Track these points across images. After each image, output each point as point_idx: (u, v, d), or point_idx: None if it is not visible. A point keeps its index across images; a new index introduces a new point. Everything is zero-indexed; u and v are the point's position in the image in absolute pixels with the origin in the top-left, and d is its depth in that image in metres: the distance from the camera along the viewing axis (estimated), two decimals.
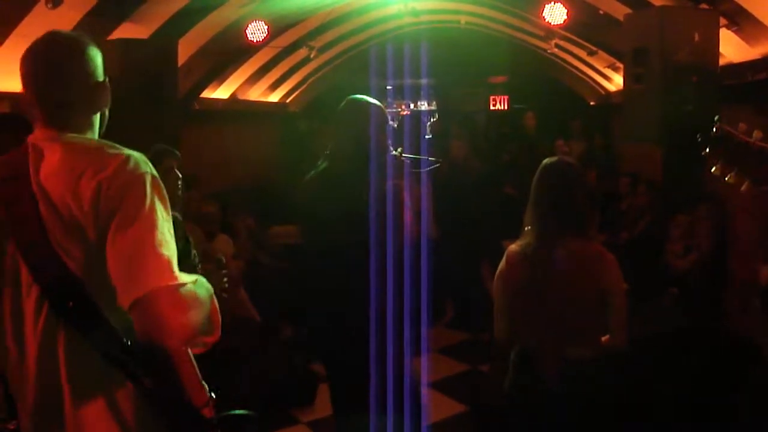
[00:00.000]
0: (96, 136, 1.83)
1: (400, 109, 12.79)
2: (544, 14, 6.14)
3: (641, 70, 4.76)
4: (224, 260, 3.28)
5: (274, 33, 6.61)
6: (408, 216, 3.41)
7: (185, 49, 6.01)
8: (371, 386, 3.31)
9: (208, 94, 7.65)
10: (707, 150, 1.97)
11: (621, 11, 5.58)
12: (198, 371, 1.78)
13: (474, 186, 7.14)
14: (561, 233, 2.92)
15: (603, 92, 9.58)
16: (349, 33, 8.63)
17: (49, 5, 4.28)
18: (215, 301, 1.78)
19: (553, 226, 2.93)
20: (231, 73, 7.76)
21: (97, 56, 1.83)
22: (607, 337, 2.94)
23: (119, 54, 4.77)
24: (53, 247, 1.62)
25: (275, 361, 5.46)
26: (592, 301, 2.87)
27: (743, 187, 1.91)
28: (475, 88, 11.64)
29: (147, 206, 1.61)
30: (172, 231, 1.66)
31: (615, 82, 8.63)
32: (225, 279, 3.15)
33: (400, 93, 12.35)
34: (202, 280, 1.73)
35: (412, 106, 12.75)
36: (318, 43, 8.01)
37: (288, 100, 10.01)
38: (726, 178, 1.93)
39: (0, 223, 1.67)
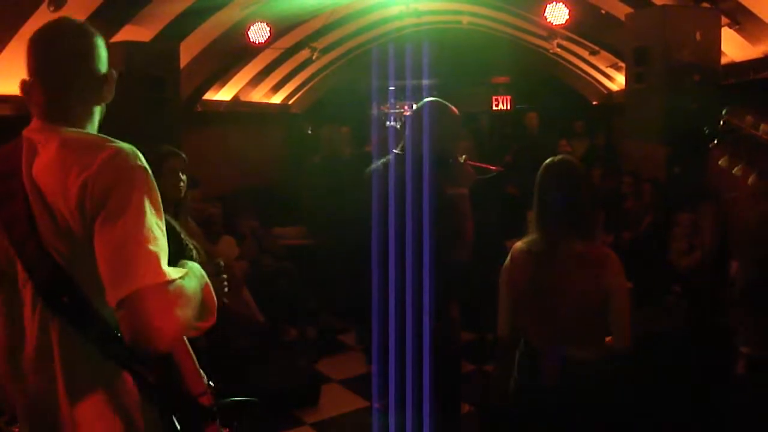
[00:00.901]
0: (95, 128, 1.80)
1: (402, 110, 12.80)
2: (545, 14, 6.15)
3: (643, 69, 4.75)
4: (222, 264, 3.26)
5: (276, 34, 6.61)
6: (470, 226, 3.41)
7: (188, 51, 6.02)
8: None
9: (210, 96, 7.66)
10: (714, 142, 1.98)
11: (623, 11, 5.57)
12: (195, 360, 1.77)
13: (476, 186, 7.13)
14: (565, 233, 2.92)
15: (605, 92, 9.58)
16: (352, 34, 8.63)
17: (52, 8, 4.29)
18: (209, 286, 1.73)
19: (556, 226, 2.93)
20: (233, 75, 7.77)
21: (102, 47, 1.80)
22: (610, 338, 2.94)
23: (122, 57, 4.77)
24: (44, 245, 1.59)
25: (279, 363, 5.46)
26: (595, 302, 2.87)
27: (750, 180, 1.92)
28: (477, 88, 11.62)
29: (134, 201, 1.55)
30: (163, 227, 1.60)
31: (617, 81, 8.62)
32: (225, 284, 3.14)
33: (402, 94, 12.35)
34: (195, 267, 1.70)
35: (414, 106, 12.74)
36: (320, 44, 8.02)
37: (291, 102, 10.02)
38: (734, 171, 1.95)
39: None
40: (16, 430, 1.79)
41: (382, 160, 3.66)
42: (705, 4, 5.03)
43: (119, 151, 1.62)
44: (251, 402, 1.87)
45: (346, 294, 6.24)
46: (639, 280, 5.06)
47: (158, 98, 5.05)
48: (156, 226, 1.57)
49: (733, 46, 5.22)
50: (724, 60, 5.00)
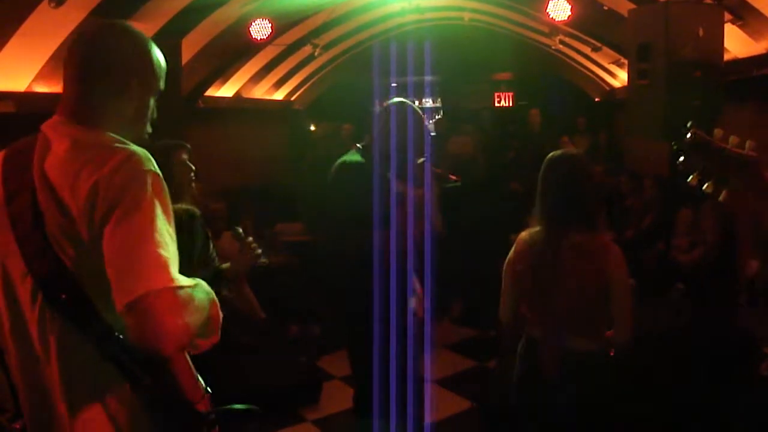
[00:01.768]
0: (119, 131, 1.74)
1: None
2: (548, 10, 6.14)
3: (645, 65, 4.75)
4: (241, 231, 3.24)
5: (278, 31, 6.61)
6: (420, 225, 3.44)
7: (189, 47, 6.02)
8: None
9: (212, 92, 7.66)
10: (682, 159, 1.87)
11: (625, 7, 5.56)
12: (192, 366, 1.76)
13: (480, 182, 7.15)
14: (568, 224, 2.92)
15: (608, 88, 9.57)
16: (353, 31, 8.64)
17: (52, 5, 4.28)
18: (217, 305, 1.72)
19: (559, 218, 2.94)
20: (235, 71, 7.77)
21: (142, 53, 1.79)
22: (611, 331, 2.94)
23: None
24: (48, 239, 1.58)
25: (280, 359, 5.46)
26: (596, 293, 2.87)
27: (722, 197, 1.83)
28: (479, 85, 11.62)
29: (146, 205, 1.54)
30: (173, 233, 1.59)
31: (620, 78, 8.61)
32: (254, 245, 3.13)
33: (404, 90, 12.34)
34: (203, 284, 1.68)
35: (416, 103, 12.77)
36: (322, 40, 8.02)
37: (293, 98, 10.02)
38: (704, 187, 1.84)
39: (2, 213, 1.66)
40: (18, 426, 1.78)
41: (345, 157, 3.70)
42: (708, 0, 5.02)
43: (132, 154, 1.61)
44: (252, 410, 1.84)
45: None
46: (643, 276, 5.06)
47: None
48: (166, 232, 1.56)
49: (736, 43, 5.21)
50: (726, 56, 4.99)
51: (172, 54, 5.25)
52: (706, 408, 3.70)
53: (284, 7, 6.41)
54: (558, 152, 3.09)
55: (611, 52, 7.82)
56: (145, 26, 5.39)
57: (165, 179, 1.64)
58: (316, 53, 8.19)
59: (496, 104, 11.71)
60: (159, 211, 1.57)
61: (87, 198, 1.54)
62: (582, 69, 9.69)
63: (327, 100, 10.44)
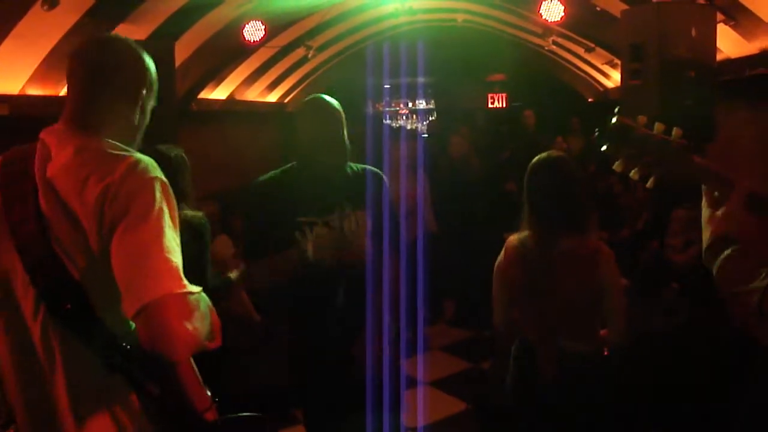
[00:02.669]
0: (121, 140, 1.75)
1: (398, 108, 12.82)
2: (541, 11, 6.15)
3: (638, 65, 4.75)
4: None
5: (271, 33, 6.60)
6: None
7: (182, 49, 6.00)
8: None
9: (205, 94, 7.65)
10: (606, 147, 1.84)
11: (618, 7, 5.57)
12: (199, 375, 1.75)
13: (474, 183, 7.15)
14: (557, 230, 2.91)
15: (601, 89, 9.59)
16: (347, 32, 8.63)
17: (45, 7, 4.26)
18: (214, 311, 1.73)
19: (548, 223, 2.93)
20: (229, 74, 7.75)
21: (142, 67, 1.82)
22: (605, 331, 2.95)
23: None
24: (53, 247, 1.58)
25: (277, 361, 5.44)
26: (590, 297, 2.87)
27: (649, 183, 1.80)
28: (472, 85, 11.64)
29: (155, 212, 1.56)
30: (179, 240, 1.60)
31: (613, 79, 8.63)
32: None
33: (397, 92, 12.37)
34: (203, 294, 1.69)
35: (410, 104, 12.79)
36: (316, 42, 8.00)
37: (286, 100, 10.00)
38: (630, 174, 1.82)
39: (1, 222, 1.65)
40: (11, 431, 1.76)
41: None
42: (700, 1, 5.04)
43: (139, 161, 1.63)
44: (259, 418, 1.83)
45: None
46: (637, 276, 5.06)
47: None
48: (173, 240, 1.58)
49: (729, 43, 5.23)
50: (719, 56, 5.00)
51: (166, 56, 5.25)
52: (705, 408, 3.70)
53: (277, 9, 6.40)
54: (541, 156, 3.05)
55: (604, 53, 7.83)
56: (138, 29, 5.38)
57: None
58: (309, 55, 8.18)
59: (490, 105, 11.73)
60: (167, 217, 1.59)
61: (95, 204, 1.55)
62: (575, 70, 9.70)
63: None
